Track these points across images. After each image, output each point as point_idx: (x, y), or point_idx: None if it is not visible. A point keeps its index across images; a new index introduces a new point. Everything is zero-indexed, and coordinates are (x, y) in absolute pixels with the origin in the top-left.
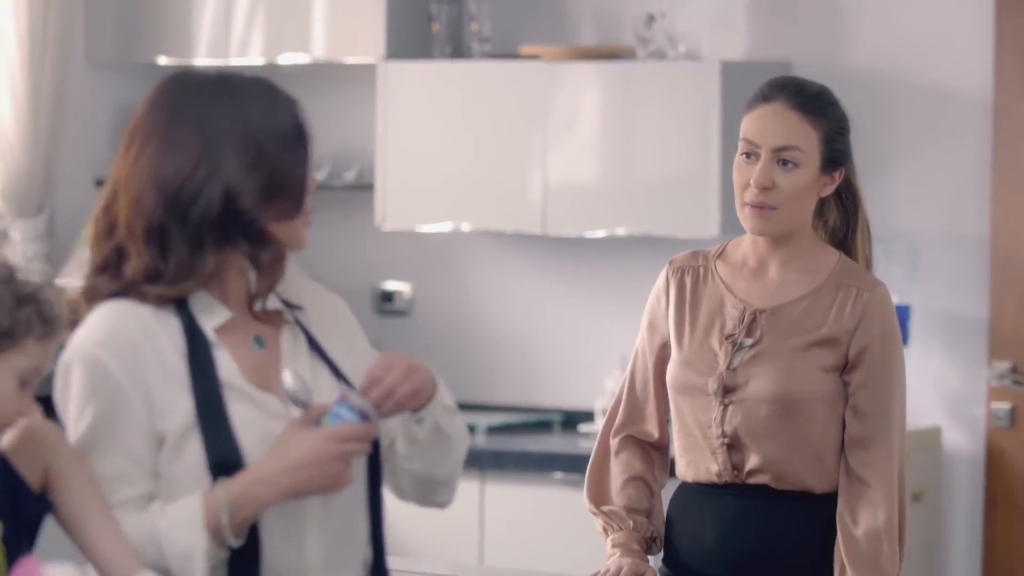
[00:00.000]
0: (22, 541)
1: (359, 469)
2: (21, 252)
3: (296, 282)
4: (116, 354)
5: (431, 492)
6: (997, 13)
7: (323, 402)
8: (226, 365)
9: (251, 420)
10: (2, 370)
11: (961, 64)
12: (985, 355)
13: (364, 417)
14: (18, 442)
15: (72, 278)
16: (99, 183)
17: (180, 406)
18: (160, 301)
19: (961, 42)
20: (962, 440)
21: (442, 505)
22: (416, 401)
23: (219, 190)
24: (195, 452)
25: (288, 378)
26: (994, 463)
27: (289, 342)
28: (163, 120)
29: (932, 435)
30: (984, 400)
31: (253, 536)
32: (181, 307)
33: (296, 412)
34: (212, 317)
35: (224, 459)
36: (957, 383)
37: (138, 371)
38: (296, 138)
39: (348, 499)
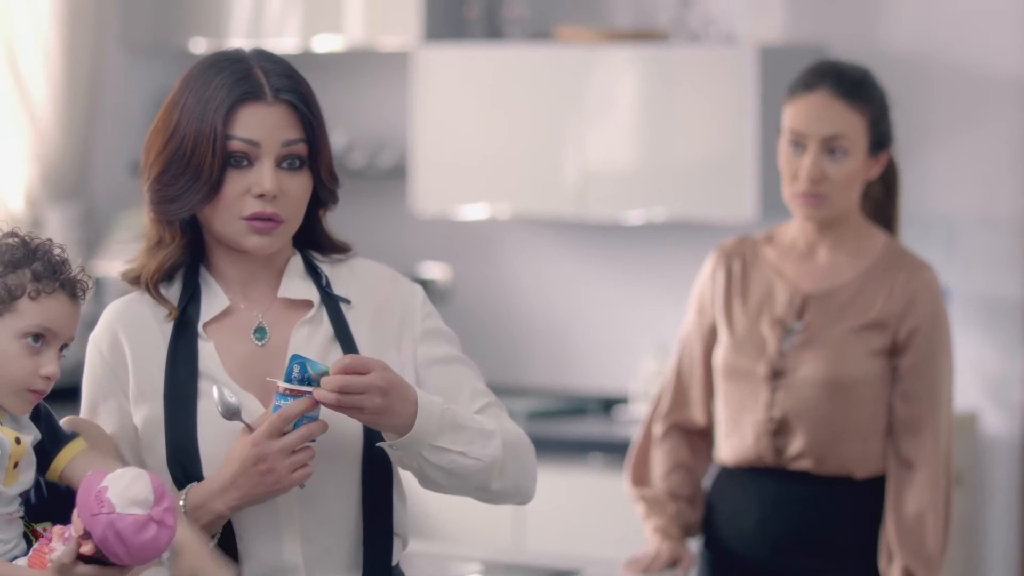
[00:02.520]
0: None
1: (350, 467)
2: (59, 238)
3: (363, 273)
4: (104, 351)
5: (488, 502)
6: None
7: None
8: (208, 358)
9: (219, 415)
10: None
11: (998, 45)
12: (1022, 337)
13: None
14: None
15: (108, 261)
16: (135, 168)
17: (156, 398)
18: (156, 284)
19: (998, 23)
20: (1000, 424)
21: (519, 502)
22: (367, 420)
23: (149, 163)
24: (162, 444)
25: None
26: None
27: (303, 334)
28: None
29: (970, 419)
30: (1022, 383)
31: (230, 536)
32: (186, 294)
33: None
34: (210, 308)
35: (181, 452)
36: (995, 366)
37: (121, 368)
38: (204, 139)
39: (333, 497)
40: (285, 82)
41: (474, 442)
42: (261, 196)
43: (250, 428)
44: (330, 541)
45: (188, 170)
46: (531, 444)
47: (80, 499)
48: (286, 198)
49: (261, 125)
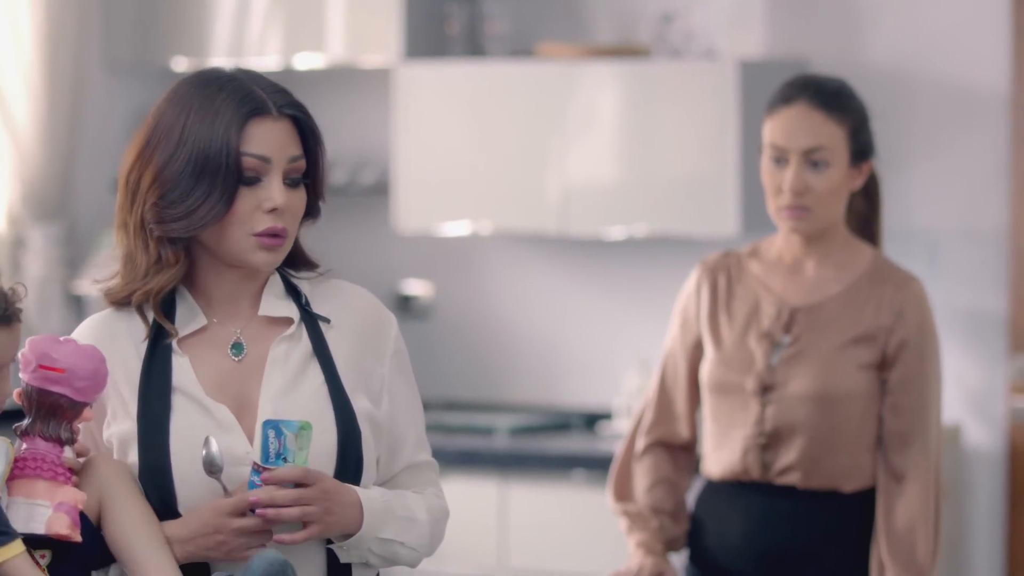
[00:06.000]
0: (72, 573)
1: None
2: (41, 257)
3: (343, 295)
4: None
5: None
6: (1014, 8)
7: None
8: (182, 373)
9: (192, 430)
10: None
11: (978, 59)
12: (1005, 351)
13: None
14: (79, 475)
15: (91, 281)
16: (117, 186)
17: (129, 415)
18: (140, 304)
19: (978, 37)
20: (983, 437)
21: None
22: (307, 523)
23: (146, 184)
24: (135, 460)
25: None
26: (1016, 460)
27: (281, 350)
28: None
29: (953, 432)
30: (1004, 396)
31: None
32: (164, 312)
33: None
34: (186, 324)
35: (153, 467)
36: (977, 380)
37: None
38: (214, 157)
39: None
40: (284, 98)
41: (410, 531)
42: (272, 211)
43: (226, 490)
44: (305, 559)
45: (198, 187)
46: (448, 512)
47: None
48: (290, 213)
49: (270, 141)
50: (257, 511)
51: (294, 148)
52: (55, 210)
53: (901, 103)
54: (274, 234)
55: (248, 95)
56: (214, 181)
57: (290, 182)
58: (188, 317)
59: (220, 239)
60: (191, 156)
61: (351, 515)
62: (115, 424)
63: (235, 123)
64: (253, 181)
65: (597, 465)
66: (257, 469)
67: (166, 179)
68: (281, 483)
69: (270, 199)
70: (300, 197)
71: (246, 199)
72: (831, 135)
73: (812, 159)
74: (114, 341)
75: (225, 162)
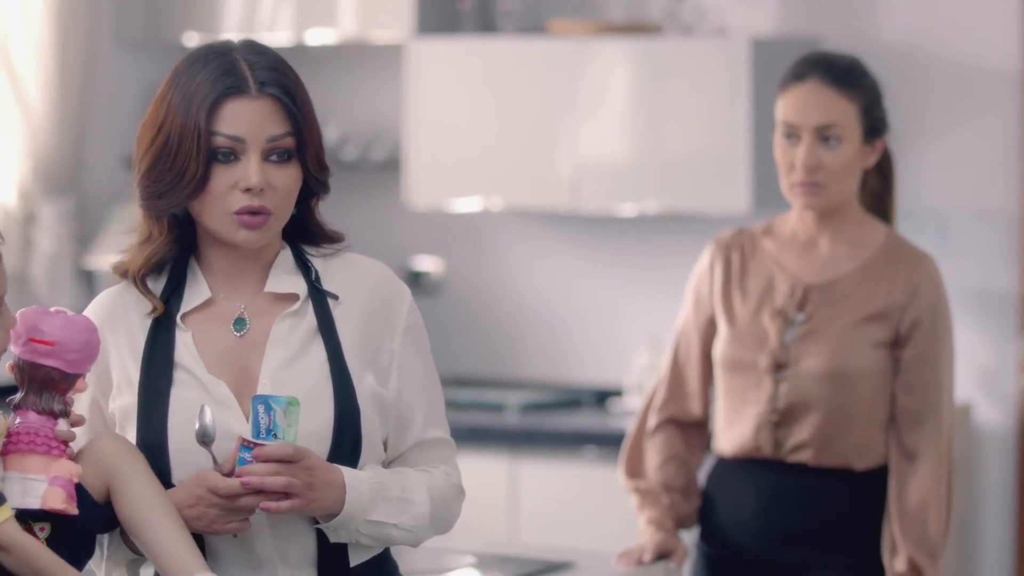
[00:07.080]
0: (73, 546)
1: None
2: (52, 232)
3: (356, 269)
4: None
5: None
6: None
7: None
8: (184, 348)
9: (190, 405)
10: None
11: (991, 38)
12: (1016, 330)
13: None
14: (81, 455)
15: (101, 255)
16: (128, 162)
17: (132, 388)
18: (143, 278)
19: (990, 16)
20: (993, 416)
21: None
22: (290, 497)
23: (136, 160)
24: (134, 432)
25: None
26: None
27: (285, 327)
28: None
29: (964, 410)
30: (1015, 375)
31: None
32: (169, 286)
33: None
34: (191, 299)
35: (150, 441)
36: (988, 358)
37: (102, 364)
38: (190, 132)
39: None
40: (270, 75)
41: (404, 512)
42: (248, 190)
43: (216, 462)
44: (291, 539)
45: (174, 166)
46: (461, 493)
47: None
48: (274, 191)
49: (245, 120)
50: (242, 480)
51: (275, 127)
52: (66, 185)
53: (913, 81)
54: (253, 212)
55: (228, 72)
56: (187, 161)
57: (276, 158)
58: (193, 292)
59: (202, 217)
60: (168, 135)
61: (334, 495)
62: (119, 398)
63: (207, 102)
64: (229, 159)
65: (608, 442)
66: (246, 445)
67: (151, 156)
68: (271, 460)
69: (245, 178)
70: (289, 174)
71: (222, 178)
72: (843, 111)
73: (824, 135)
74: (124, 315)
75: (196, 142)
